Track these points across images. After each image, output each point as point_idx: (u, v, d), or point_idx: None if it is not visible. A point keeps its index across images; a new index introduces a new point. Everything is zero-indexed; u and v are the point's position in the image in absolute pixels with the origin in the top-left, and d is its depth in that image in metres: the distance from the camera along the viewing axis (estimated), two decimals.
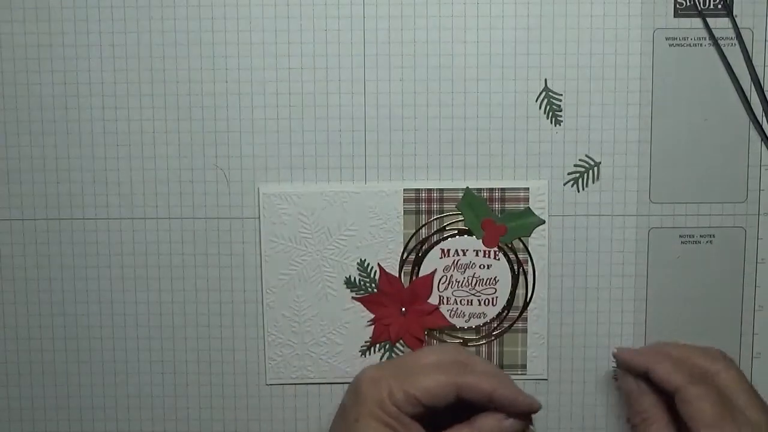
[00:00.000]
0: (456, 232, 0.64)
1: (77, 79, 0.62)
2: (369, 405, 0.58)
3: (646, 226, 0.64)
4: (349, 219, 0.63)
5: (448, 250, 0.64)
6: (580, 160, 0.63)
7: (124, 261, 0.64)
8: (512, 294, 0.64)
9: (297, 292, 0.64)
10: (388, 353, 0.65)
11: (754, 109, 0.62)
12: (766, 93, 0.62)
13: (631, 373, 0.61)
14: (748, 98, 0.62)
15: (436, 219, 0.63)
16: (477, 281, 0.64)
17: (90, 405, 0.65)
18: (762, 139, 0.63)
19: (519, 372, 0.65)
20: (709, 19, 0.62)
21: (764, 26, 0.62)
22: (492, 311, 0.64)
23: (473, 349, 0.65)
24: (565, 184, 0.63)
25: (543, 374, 0.65)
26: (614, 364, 0.64)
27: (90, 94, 0.62)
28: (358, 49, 0.62)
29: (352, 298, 0.64)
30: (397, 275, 0.64)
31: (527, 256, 0.64)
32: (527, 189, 0.63)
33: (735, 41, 0.62)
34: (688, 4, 0.62)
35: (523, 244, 0.64)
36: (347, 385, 0.65)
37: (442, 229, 0.64)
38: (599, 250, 0.64)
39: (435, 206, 0.63)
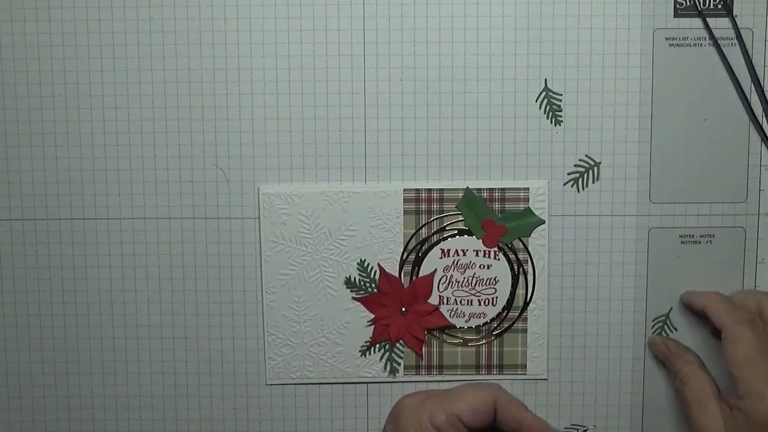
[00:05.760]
0: (456, 232, 0.64)
1: (77, 79, 0.62)
2: (410, 431, 0.60)
3: (646, 226, 0.64)
4: (349, 219, 0.63)
5: (448, 250, 0.64)
6: (580, 160, 0.63)
7: (124, 261, 0.64)
8: (512, 294, 0.64)
9: (297, 292, 0.64)
10: (388, 353, 0.65)
11: (754, 109, 0.62)
12: (766, 93, 0.62)
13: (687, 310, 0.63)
14: (748, 98, 0.62)
15: (436, 219, 0.63)
16: (477, 281, 0.64)
17: (90, 405, 0.65)
18: (762, 139, 0.63)
19: (519, 372, 0.65)
20: (709, 19, 0.62)
21: (764, 26, 0.62)
22: (492, 311, 0.64)
23: (473, 349, 0.65)
24: (565, 184, 0.63)
25: (543, 374, 0.65)
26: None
27: (90, 94, 0.62)
28: (358, 49, 0.62)
29: (352, 298, 0.64)
30: (397, 275, 0.64)
31: (527, 256, 0.64)
32: (527, 189, 0.63)
33: (735, 41, 0.62)
34: (688, 4, 0.62)
35: (523, 244, 0.64)
36: (347, 385, 0.65)
37: (442, 229, 0.64)
38: (599, 250, 0.64)
39: (435, 206, 0.63)
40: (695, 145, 0.63)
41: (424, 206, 0.63)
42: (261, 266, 0.64)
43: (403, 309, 0.64)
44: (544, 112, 0.62)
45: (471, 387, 0.62)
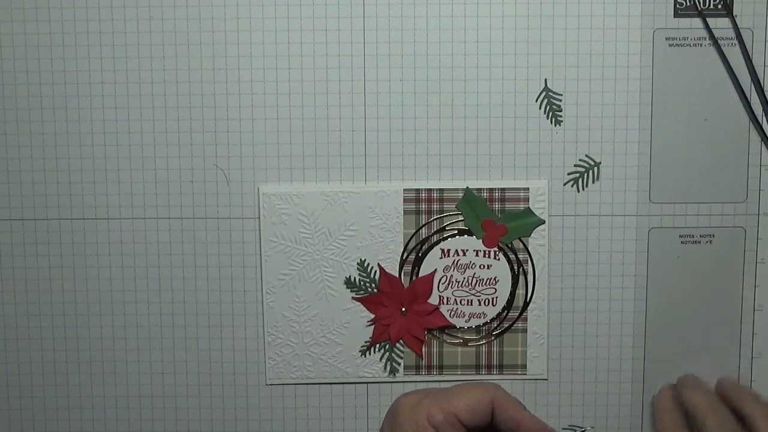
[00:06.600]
0: (456, 232, 0.64)
1: (77, 79, 0.62)
2: (408, 430, 0.59)
3: (646, 226, 0.64)
4: (349, 219, 0.63)
5: (448, 250, 0.64)
6: (580, 160, 0.63)
7: (124, 261, 0.64)
8: (512, 294, 0.64)
9: (297, 292, 0.64)
10: (388, 353, 0.65)
11: (754, 109, 0.62)
12: (766, 93, 0.62)
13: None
14: (748, 98, 0.62)
15: (436, 219, 0.63)
16: (477, 281, 0.64)
17: (90, 405, 0.65)
18: (762, 139, 0.63)
19: (519, 372, 0.65)
20: (709, 19, 0.62)
21: (764, 26, 0.62)
22: (492, 311, 0.64)
23: (473, 349, 0.65)
24: (565, 184, 0.63)
25: (543, 374, 0.65)
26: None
27: (90, 94, 0.62)
28: (358, 49, 0.62)
29: (352, 298, 0.64)
30: (397, 275, 0.64)
31: (527, 256, 0.64)
32: (527, 189, 0.63)
33: (735, 41, 0.62)
34: (688, 4, 0.62)
35: (523, 244, 0.64)
36: (347, 385, 0.65)
37: (442, 229, 0.64)
38: (599, 250, 0.64)
39: (435, 206, 0.63)
40: (695, 145, 0.63)
41: (424, 206, 0.63)
42: (261, 266, 0.64)
43: (403, 309, 0.64)
44: (544, 112, 0.62)
45: (469, 386, 0.62)
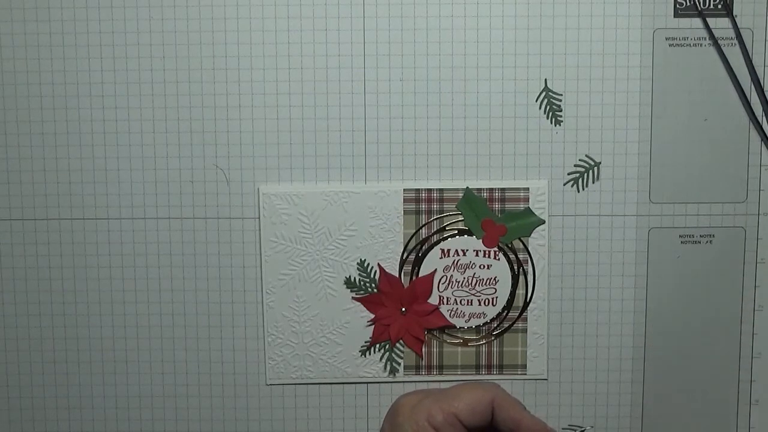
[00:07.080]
0: (456, 232, 0.64)
1: (77, 79, 0.62)
2: (408, 430, 0.59)
3: (646, 226, 0.64)
4: (349, 219, 0.63)
5: (448, 250, 0.64)
6: (580, 160, 0.63)
7: (124, 261, 0.64)
8: (512, 294, 0.64)
9: (297, 292, 0.64)
10: (388, 353, 0.65)
11: (754, 109, 0.62)
12: (766, 93, 0.62)
13: None
14: (748, 98, 0.62)
15: (436, 219, 0.63)
16: (477, 281, 0.64)
17: (90, 405, 0.65)
18: (762, 139, 0.63)
19: (519, 372, 0.65)
20: (709, 19, 0.62)
21: (764, 26, 0.62)
22: (492, 311, 0.64)
23: (473, 349, 0.65)
24: (565, 184, 0.63)
25: (543, 374, 0.65)
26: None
27: (90, 94, 0.62)
28: (358, 49, 0.62)
29: (352, 298, 0.64)
30: (397, 275, 0.64)
31: (527, 256, 0.64)
32: (527, 189, 0.63)
33: (735, 41, 0.62)
34: (688, 4, 0.62)
35: (523, 244, 0.64)
36: (347, 385, 0.65)
37: (442, 229, 0.64)
38: (599, 250, 0.64)
39: (435, 206, 0.63)
40: (695, 145, 0.63)
41: (424, 206, 0.63)
42: (261, 266, 0.64)
43: (403, 309, 0.64)
44: (544, 112, 0.62)
45: (469, 386, 0.62)
